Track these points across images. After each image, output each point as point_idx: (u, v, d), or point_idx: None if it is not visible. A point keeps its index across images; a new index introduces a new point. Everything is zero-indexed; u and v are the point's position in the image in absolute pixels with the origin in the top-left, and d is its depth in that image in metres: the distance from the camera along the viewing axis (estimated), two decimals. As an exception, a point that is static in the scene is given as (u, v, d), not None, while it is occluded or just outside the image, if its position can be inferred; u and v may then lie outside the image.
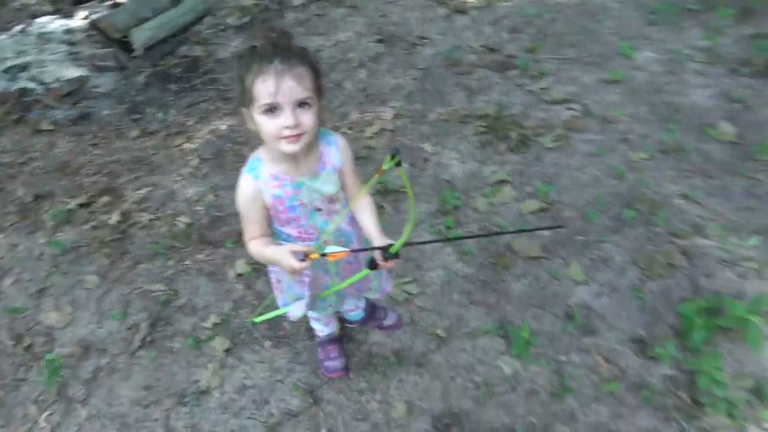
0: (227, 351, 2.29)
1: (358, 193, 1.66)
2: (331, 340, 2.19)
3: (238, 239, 2.79)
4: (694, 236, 2.52)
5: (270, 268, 1.87)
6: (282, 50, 1.33)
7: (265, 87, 1.32)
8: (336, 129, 2.92)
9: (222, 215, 2.95)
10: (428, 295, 2.42)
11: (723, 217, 2.60)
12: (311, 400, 2.10)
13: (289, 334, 2.34)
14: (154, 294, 2.56)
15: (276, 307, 1.91)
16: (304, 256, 1.42)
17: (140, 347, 2.34)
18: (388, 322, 2.29)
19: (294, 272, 1.47)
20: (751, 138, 2.99)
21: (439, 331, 2.25)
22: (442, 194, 2.84)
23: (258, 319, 1.80)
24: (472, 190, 2.89)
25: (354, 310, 2.20)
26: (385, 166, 1.22)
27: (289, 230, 1.64)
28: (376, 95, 3.71)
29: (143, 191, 3.16)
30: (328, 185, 1.58)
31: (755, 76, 3.43)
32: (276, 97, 1.33)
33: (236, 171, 3.15)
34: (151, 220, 2.97)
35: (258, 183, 1.53)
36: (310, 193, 1.56)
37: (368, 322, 2.28)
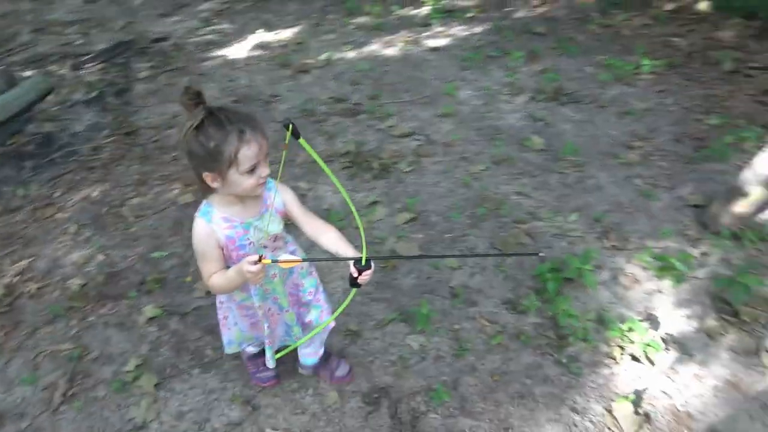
0: (157, 386, 2.39)
1: (314, 222, 1.85)
2: (259, 353, 2.39)
3: (140, 288, 2.89)
4: (531, 220, 3.17)
5: (218, 306, 2.03)
6: (242, 117, 1.56)
7: (251, 152, 1.55)
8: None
9: (117, 270, 3.02)
10: (334, 302, 2.74)
11: (549, 204, 3.30)
12: (250, 408, 2.29)
13: (214, 359, 2.50)
14: (63, 353, 2.56)
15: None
16: (258, 260, 1.56)
17: (62, 403, 2.34)
18: (339, 372, 2.35)
19: (255, 278, 1.61)
20: (556, 145, 3.81)
21: (351, 327, 2.58)
22: (326, 219, 3.20)
23: (278, 356, 1.93)
24: (351, 213, 3.31)
25: (312, 354, 2.28)
26: (286, 141, 1.39)
27: None
28: (244, 148, 4.01)
29: (23, 263, 3.10)
30: (272, 225, 1.78)
31: (548, 100, 4.35)
32: (258, 157, 1.57)
33: (120, 231, 3.28)
34: (39, 288, 2.93)
35: (211, 225, 1.70)
36: (256, 233, 1.75)
37: (320, 369, 2.37)
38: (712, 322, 2.56)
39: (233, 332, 2.07)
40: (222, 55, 5.45)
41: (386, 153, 3.82)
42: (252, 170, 1.58)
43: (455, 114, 4.24)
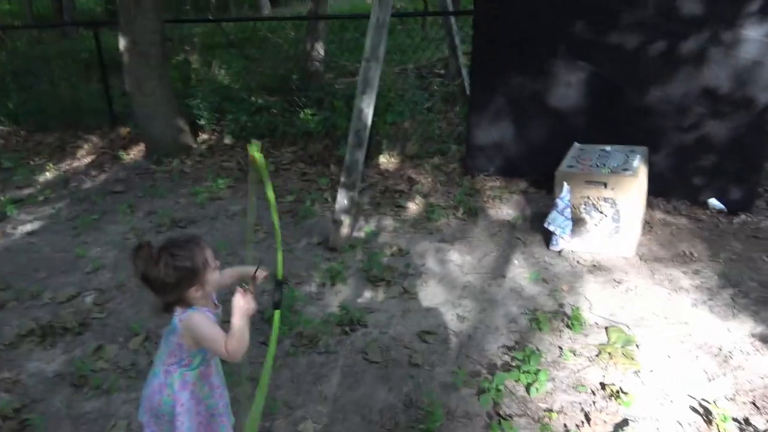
0: None
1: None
2: None
3: None
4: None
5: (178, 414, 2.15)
6: (185, 236, 2.06)
7: (210, 251, 2.05)
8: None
9: None
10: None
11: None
12: None
13: None
14: None
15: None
16: (244, 291, 2.01)
17: None
18: None
19: (252, 304, 2.01)
20: (205, 250, 4.77)
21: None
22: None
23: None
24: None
25: None
26: (253, 151, 2.04)
27: None
28: None
29: None
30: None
31: (171, 228, 5.26)
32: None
33: None
34: None
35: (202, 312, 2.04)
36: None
37: None
38: (372, 286, 4.07)
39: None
40: None
41: (65, 317, 3.98)
42: (215, 267, 2.05)
43: (103, 266, 4.67)
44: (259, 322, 3.73)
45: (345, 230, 4.71)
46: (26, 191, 6.50)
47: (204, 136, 7.62)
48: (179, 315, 2.05)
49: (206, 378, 2.23)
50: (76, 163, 7.38)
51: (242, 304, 2.00)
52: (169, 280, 1.93)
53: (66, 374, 3.41)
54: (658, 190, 5.07)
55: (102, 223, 5.50)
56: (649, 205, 4.97)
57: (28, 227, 5.55)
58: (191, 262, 1.97)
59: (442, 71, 9.23)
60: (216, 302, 2.21)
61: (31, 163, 7.45)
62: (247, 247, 2.74)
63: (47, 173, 7.05)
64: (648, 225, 4.75)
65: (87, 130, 8.39)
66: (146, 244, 1.96)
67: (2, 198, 6.16)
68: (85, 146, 7.86)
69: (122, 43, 6.58)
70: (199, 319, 2.02)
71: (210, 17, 16.16)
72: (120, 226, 5.40)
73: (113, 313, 4.00)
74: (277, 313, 2.15)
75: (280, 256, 2.28)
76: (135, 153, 7.47)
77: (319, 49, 8.72)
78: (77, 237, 5.26)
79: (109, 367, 3.44)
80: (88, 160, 7.44)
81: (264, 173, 2.14)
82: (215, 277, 2.07)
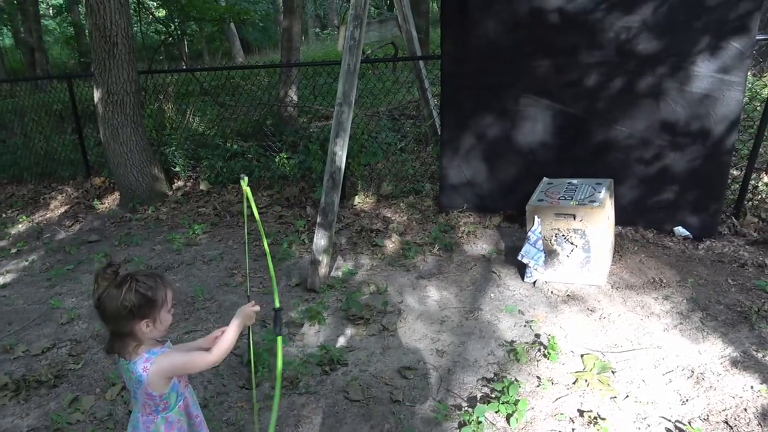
0: None
1: None
2: None
3: None
4: (212, 341, 4.05)
5: None
6: (154, 271, 2.07)
7: (172, 293, 2.06)
8: None
9: None
10: None
11: (213, 327, 4.23)
12: None
13: None
14: None
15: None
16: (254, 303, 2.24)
17: None
18: None
19: (253, 319, 2.23)
20: (181, 298, 4.75)
21: None
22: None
23: None
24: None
25: None
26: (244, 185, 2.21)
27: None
28: None
29: None
30: None
31: (148, 276, 5.22)
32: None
33: None
34: None
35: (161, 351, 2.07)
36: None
37: None
38: (351, 324, 4.09)
39: None
40: None
41: (40, 370, 3.92)
42: (170, 309, 2.08)
43: (79, 316, 4.61)
44: (238, 366, 3.72)
45: (323, 271, 4.74)
46: (-1, 244, 6.44)
47: (179, 183, 7.66)
48: (142, 365, 2.02)
49: (186, 409, 2.24)
50: (49, 214, 7.33)
51: (248, 311, 2.19)
52: (126, 304, 1.91)
53: (41, 428, 3.34)
54: (625, 220, 5.24)
55: (77, 273, 5.45)
56: (618, 234, 5.13)
57: (0, 280, 5.48)
58: (153, 292, 1.98)
59: (414, 113, 9.47)
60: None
61: (3, 215, 7.38)
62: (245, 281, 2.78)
63: (20, 225, 6.99)
64: (618, 254, 4.88)
65: (61, 180, 8.37)
66: (115, 265, 1.98)
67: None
68: (59, 197, 7.83)
69: (96, 93, 6.66)
70: (165, 359, 2.04)
71: (184, 66, 16.38)
72: (82, 285, 5.36)
73: (89, 364, 3.95)
74: (279, 339, 2.29)
75: (275, 285, 2.42)
76: (110, 202, 7.46)
77: (293, 94, 8.91)
78: (52, 288, 5.20)
79: (85, 419, 3.38)
80: (62, 210, 7.40)
81: (252, 204, 2.29)
82: (168, 319, 2.07)
